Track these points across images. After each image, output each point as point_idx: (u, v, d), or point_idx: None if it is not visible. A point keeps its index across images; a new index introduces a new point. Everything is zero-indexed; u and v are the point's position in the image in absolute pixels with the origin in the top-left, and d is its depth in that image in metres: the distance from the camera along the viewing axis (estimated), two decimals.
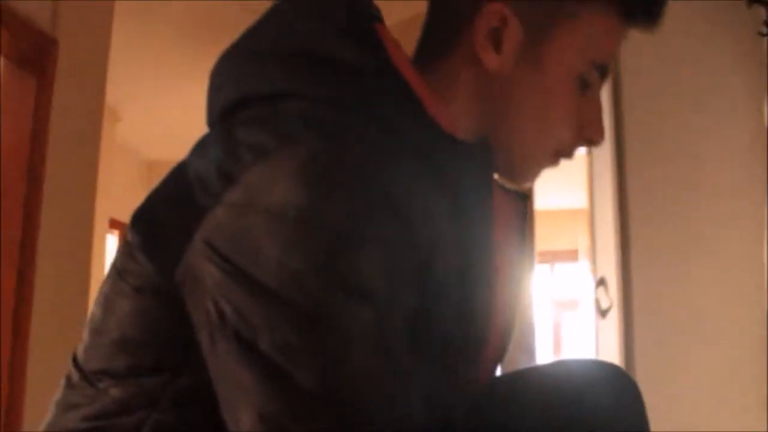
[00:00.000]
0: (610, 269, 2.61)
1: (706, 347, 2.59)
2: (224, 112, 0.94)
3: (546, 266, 8.86)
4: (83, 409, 0.86)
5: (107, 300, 0.89)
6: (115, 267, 0.90)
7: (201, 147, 0.91)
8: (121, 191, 6.28)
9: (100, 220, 5.27)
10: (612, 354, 2.64)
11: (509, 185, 1.08)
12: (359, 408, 0.75)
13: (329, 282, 0.74)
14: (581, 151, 3.11)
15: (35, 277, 2.83)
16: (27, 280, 2.80)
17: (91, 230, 3.39)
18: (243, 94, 0.93)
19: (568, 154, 1.06)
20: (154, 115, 6.20)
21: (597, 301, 2.64)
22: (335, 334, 0.74)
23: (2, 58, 2.87)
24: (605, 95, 2.82)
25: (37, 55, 2.93)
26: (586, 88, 1.01)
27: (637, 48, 2.77)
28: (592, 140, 1.05)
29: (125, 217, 4.28)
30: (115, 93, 5.33)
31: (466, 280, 0.90)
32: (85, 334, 0.92)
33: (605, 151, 2.80)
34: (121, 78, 5.02)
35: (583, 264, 2.88)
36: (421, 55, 1.03)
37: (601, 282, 2.62)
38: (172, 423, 0.83)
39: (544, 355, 7.25)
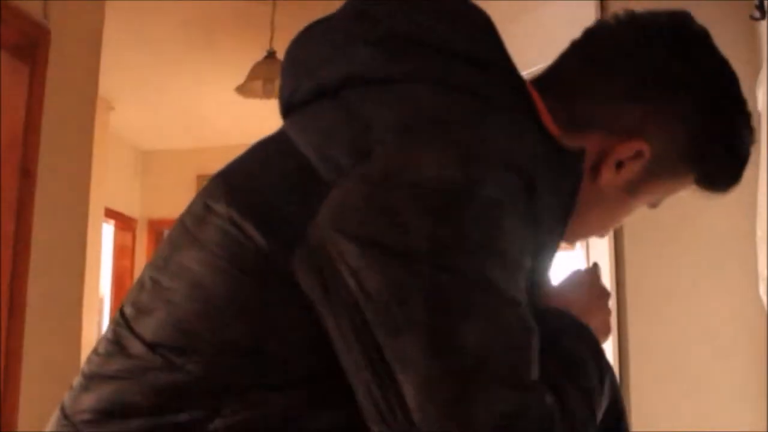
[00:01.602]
0: (603, 254, 2.62)
1: (699, 332, 2.60)
2: (322, 91, 0.95)
3: None
4: (149, 380, 0.84)
5: (180, 267, 0.88)
6: (190, 233, 0.89)
7: (310, 124, 0.92)
8: (115, 181, 6.28)
9: (95, 210, 5.26)
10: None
11: None
12: (514, 365, 0.78)
13: (478, 249, 0.79)
14: None
15: (30, 268, 2.83)
16: (21, 272, 2.80)
17: (85, 219, 3.38)
18: (352, 75, 0.94)
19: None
20: (147, 105, 6.18)
21: None
22: (487, 295, 0.78)
23: None
24: None
25: (29, 45, 2.92)
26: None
27: None
28: (602, 236, 1.19)
29: (120, 206, 4.33)
30: (108, 82, 5.31)
31: (541, 270, 0.99)
32: (142, 297, 0.90)
33: None
34: (114, 68, 5.00)
35: (578, 251, 2.87)
36: (545, 94, 1.05)
37: (594, 267, 2.62)
38: (253, 405, 0.82)
39: None
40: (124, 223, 6.65)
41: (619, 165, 1.03)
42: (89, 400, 0.88)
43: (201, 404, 0.83)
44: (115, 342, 0.90)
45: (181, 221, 0.93)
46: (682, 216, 2.62)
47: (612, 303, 2.59)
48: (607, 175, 1.03)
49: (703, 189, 1.12)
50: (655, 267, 2.65)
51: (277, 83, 4.27)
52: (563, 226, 1.00)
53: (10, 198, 2.80)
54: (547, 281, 1.07)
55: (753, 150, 1.11)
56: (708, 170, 1.09)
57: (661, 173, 1.05)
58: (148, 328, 0.87)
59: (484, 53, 0.97)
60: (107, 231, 6.51)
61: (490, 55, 0.98)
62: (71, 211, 3.27)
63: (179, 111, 6.24)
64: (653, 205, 1.14)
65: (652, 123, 1.02)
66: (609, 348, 2.61)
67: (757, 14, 2.38)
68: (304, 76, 1.00)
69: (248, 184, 0.89)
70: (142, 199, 6.91)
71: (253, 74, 4.26)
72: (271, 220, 0.83)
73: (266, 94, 4.29)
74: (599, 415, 0.93)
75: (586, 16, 2.83)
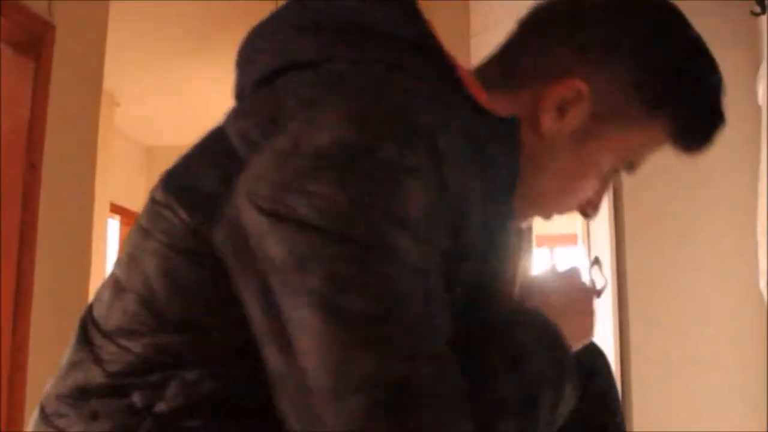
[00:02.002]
0: (605, 249, 2.62)
1: (700, 325, 2.60)
2: (261, 80, 0.97)
3: (545, 250, 8.90)
4: (107, 366, 0.87)
5: (132, 258, 0.90)
6: (141, 226, 0.91)
7: (240, 110, 0.93)
8: (120, 176, 6.30)
9: (101, 205, 5.28)
10: (606, 333, 2.66)
11: None
12: (409, 334, 0.77)
13: (378, 214, 0.78)
14: None
15: (35, 264, 2.84)
16: (27, 267, 2.81)
17: (90, 215, 3.40)
18: (284, 62, 0.95)
19: (562, 214, 1.12)
20: (153, 100, 6.20)
21: (592, 281, 2.65)
22: (385, 263, 0.78)
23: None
24: None
25: (33, 40, 2.93)
26: (609, 176, 1.08)
27: None
28: (586, 213, 1.12)
29: (125, 201, 4.34)
30: (113, 78, 5.32)
31: (489, 250, 0.94)
32: (104, 293, 0.93)
33: None
34: (119, 63, 5.02)
35: (580, 247, 2.88)
36: (483, 70, 1.06)
37: (595, 262, 2.62)
38: (196, 382, 0.84)
39: None
40: (129, 218, 6.66)
41: (561, 110, 1.00)
42: (56, 389, 0.92)
43: (147, 384, 0.85)
44: (81, 330, 0.94)
45: (137, 217, 0.96)
46: (684, 211, 2.63)
47: (613, 298, 2.61)
48: (548, 122, 1.00)
49: (675, 144, 1.05)
50: (657, 262, 2.66)
51: None
52: (509, 199, 0.98)
53: (16, 192, 2.81)
54: (507, 266, 1.04)
55: (727, 110, 1.04)
56: (666, 113, 1.02)
57: (612, 118, 1.01)
58: (106, 318, 0.91)
59: (408, 33, 0.97)
60: (113, 226, 6.54)
61: (413, 33, 0.98)
62: (77, 205, 3.28)
63: (184, 107, 6.25)
64: (629, 167, 1.08)
65: (586, 59, 1.00)
66: (610, 344, 2.62)
67: (757, 9, 2.38)
68: (247, 69, 1.02)
69: (181, 170, 0.92)
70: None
71: None
72: (196, 200, 0.86)
73: None
74: (557, 417, 0.91)
75: None
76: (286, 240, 0.78)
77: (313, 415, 0.77)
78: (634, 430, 2.57)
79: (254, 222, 0.79)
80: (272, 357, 0.80)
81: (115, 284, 0.92)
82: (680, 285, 2.63)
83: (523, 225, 1.16)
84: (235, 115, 0.92)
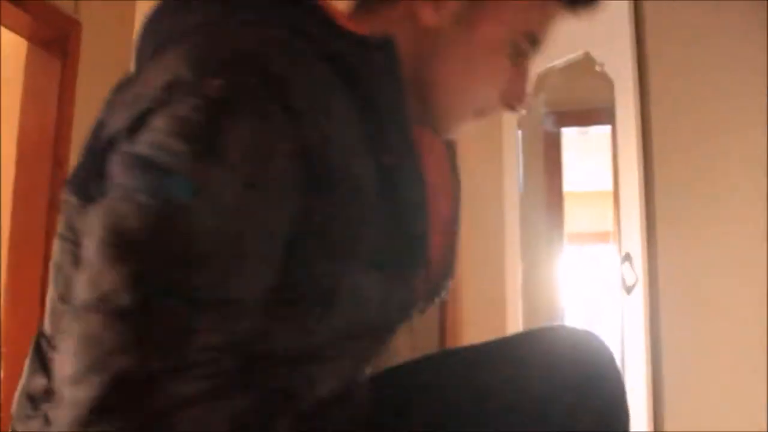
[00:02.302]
0: (636, 245, 2.58)
1: (732, 321, 2.55)
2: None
3: (576, 248, 8.83)
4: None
5: (56, 268, 0.90)
6: (58, 238, 0.91)
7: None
8: None
9: None
10: (638, 330, 2.62)
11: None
12: (197, 263, 0.77)
13: (194, 143, 0.78)
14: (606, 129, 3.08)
15: None
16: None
17: None
18: (166, 34, 0.95)
19: (487, 113, 1.10)
20: None
21: (622, 278, 2.62)
22: (204, 199, 0.78)
23: (26, 42, 2.89)
24: (630, 70, 2.79)
25: (60, 38, 2.94)
26: (517, 57, 1.04)
27: (662, 29, 2.77)
28: (512, 105, 1.09)
29: None
30: None
31: (385, 184, 0.92)
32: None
33: (630, 122, 2.77)
34: None
35: (611, 244, 2.85)
36: (361, 5, 1.07)
37: (626, 258, 2.59)
38: None
39: None
40: None
41: (436, 3, 1.00)
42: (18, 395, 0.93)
43: None
44: (35, 344, 0.94)
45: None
46: (716, 206, 2.59)
47: (644, 295, 2.57)
48: (428, 14, 1.00)
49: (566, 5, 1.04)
50: (689, 258, 2.61)
51: None
52: (402, 117, 0.95)
53: (44, 190, 2.83)
54: (418, 188, 0.98)
55: None
56: None
57: None
58: (48, 326, 0.90)
59: None
60: None
61: None
62: None
63: None
64: (532, 42, 1.05)
65: None
66: (641, 340, 2.58)
67: None
68: (149, 47, 1.00)
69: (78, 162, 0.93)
70: None
71: None
72: (79, 182, 0.86)
73: None
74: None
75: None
76: (122, 173, 0.79)
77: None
78: (666, 429, 2.53)
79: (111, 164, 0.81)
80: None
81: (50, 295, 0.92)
82: (713, 281, 2.59)
83: (448, 136, 1.12)
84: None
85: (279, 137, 0.81)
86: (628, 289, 2.61)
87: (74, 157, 2.91)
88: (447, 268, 1.10)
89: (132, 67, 0.99)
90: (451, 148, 1.15)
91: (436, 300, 1.12)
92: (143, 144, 0.79)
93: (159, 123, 0.79)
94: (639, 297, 2.60)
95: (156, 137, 0.78)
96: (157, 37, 0.97)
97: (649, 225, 2.61)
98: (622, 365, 2.63)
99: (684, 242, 2.62)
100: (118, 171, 0.80)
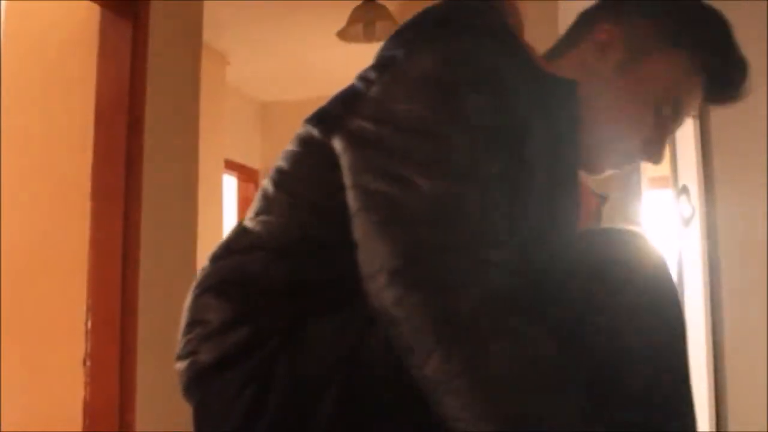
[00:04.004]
0: (692, 177, 2.56)
1: None
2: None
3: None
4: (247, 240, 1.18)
5: (277, 172, 1.22)
6: (288, 153, 1.23)
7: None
8: (235, 133, 6.47)
9: (215, 162, 5.46)
10: (696, 262, 2.60)
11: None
12: (464, 221, 0.99)
13: (439, 112, 1.05)
14: None
15: (141, 219, 2.92)
16: (134, 222, 2.91)
17: (195, 172, 3.48)
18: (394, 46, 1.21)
19: (629, 162, 1.33)
20: (264, 57, 6.31)
21: (679, 210, 2.60)
22: (445, 148, 1.03)
23: (98, 7, 3.00)
24: None
25: (131, 1, 3.03)
26: (660, 118, 1.26)
27: None
28: (651, 157, 1.29)
29: (241, 158, 4.45)
30: (222, 38, 5.47)
31: (553, 183, 1.14)
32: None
33: None
34: (227, 23, 5.15)
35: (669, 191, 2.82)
36: (551, 53, 1.35)
37: (683, 190, 2.58)
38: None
39: None
40: (246, 174, 6.85)
41: (602, 50, 1.27)
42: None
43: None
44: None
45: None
46: None
47: (701, 227, 2.55)
48: (593, 60, 1.27)
49: (710, 87, 1.27)
50: (747, 189, 2.56)
51: (378, 26, 4.32)
52: (574, 149, 1.19)
53: (120, 149, 2.94)
54: (575, 197, 1.20)
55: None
56: (686, 48, 1.25)
57: (643, 50, 1.26)
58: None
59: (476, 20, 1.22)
60: (231, 183, 6.73)
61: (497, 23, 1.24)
62: (181, 160, 3.37)
63: (297, 62, 6.34)
64: (676, 107, 1.26)
65: (613, 10, 1.30)
66: (699, 273, 2.57)
67: None
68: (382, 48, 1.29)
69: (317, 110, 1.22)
70: (263, 150, 7.10)
71: (353, 18, 4.31)
72: (324, 120, 1.18)
73: (367, 38, 4.33)
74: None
75: None
76: (377, 137, 1.06)
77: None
78: (726, 358, 2.51)
79: (362, 127, 1.08)
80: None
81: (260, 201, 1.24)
82: None
83: (596, 176, 1.34)
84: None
85: (496, 111, 1.06)
86: (686, 222, 2.59)
87: (149, 114, 3.02)
88: None
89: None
90: (602, 201, 1.42)
91: None
92: (403, 115, 1.06)
93: (416, 104, 1.06)
94: (696, 230, 2.58)
95: (416, 114, 1.05)
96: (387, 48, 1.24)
97: (705, 156, 2.59)
98: (681, 298, 2.61)
99: (740, 172, 2.59)
100: (378, 134, 1.07)
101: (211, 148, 5.22)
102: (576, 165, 1.22)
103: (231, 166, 6.45)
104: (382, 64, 1.16)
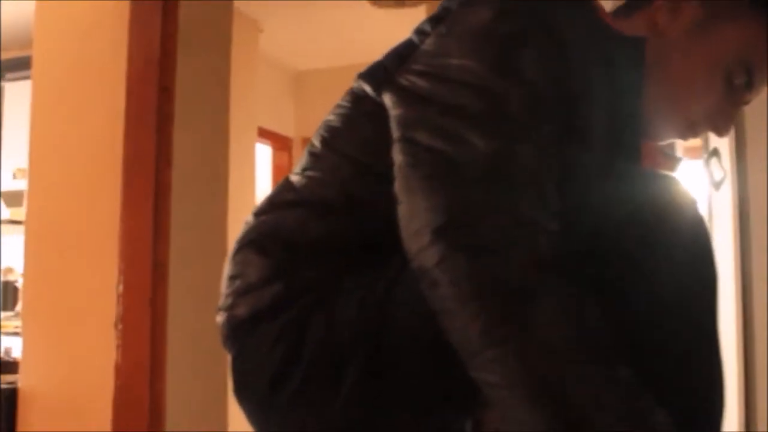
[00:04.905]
0: (723, 139, 2.52)
1: None
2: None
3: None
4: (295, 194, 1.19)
5: (325, 128, 1.21)
6: (337, 109, 1.22)
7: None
8: (268, 101, 6.49)
9: (247, 130, 5.47)
10: (727, 226, 2.58)
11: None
12: (516, 181, 0.97)
13: (495, 68, 1.02)
14: None
15: (172, 185, 2.95)
16: (164, 188, 2.93)
17: (226, 140, 3.50)
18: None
19: (694, 132, 1.26)
20: (297, 25, 6.31)
21: (710, 173, 2.57)
22: (499, 104, 1.00)
23: None
24: None
25: None
26: (731, 86, 1.20)
27: None
28: (717, 129, 1.24)
29: (274, 126, 4.48)
30: (254, 5, 5.47)
31: (611, 145, 1.10)
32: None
33: None
34: None
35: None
36: (619, 11, 1.29)
37: (713, 153, 2.55)
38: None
39: None
40: (279, 142, 6.86)
41: (674, 9, 1.19)
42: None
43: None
44: None
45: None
46: None
47: (732, 190, 2.52)
48: (664, 19, 1.19)
49: None
50: None
51: None
52: (636, 111, 1.13)
53: (151, 116, 2.97)
54: (635, 157, 1.15)
55: None
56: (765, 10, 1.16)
57: (718, 12, 1.18)
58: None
59: None
60: (264, 152, 6.76)
61: None
62: (212, 128, 3.38)
63: (331, 30, 6.33)
64: (748, 73, 1.18)
65: None
66: (729, 238, 2.54)
67: None
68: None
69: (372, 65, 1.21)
70: (297, 118, 7.10)
71: None
72: (376, 75, 1.16)
73: (398, 4, 4.31)
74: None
75: None
76: (429, 91, 1.04)
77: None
78: (755, 320, 2.49)
79: (413, 82, 1.06)
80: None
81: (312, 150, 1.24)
82: None
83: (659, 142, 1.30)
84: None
85: (553, 68, 1.03)
86: (716, 185, 2.57)
87: (180, 81, 3.04)
88: None
89: None
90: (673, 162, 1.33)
91: None
92: (455, 70, 1.03)
93: (468, 59, 1.03)
94: (727, 193, 2.56)
95: (468, 69, 1.02)
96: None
97: (738, 117, 2.54)
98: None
99: None
100: (428, 88, 1.05)
101: (244, 117, 5.24)
102: (637, 128, 1.17)
103: (264, 134, 6.47)
104: (437, 15, 1.14)
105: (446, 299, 0.92)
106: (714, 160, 2.53)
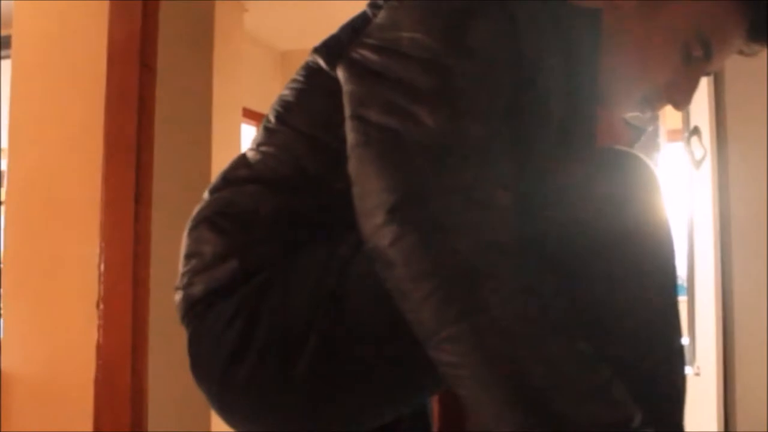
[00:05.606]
0: (704, 118, 2.52)
1: None
2: None
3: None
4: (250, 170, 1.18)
5: (280, 103, 1.21)
6: (292, 83, 1.21)
7: None
8: (254, 82, 6.44)
9: (232, 110, 5.44)
10: (707, 205, 2.58)
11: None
12: (464, 151, 0.95)
13: (445, 42, 1.00)
14: None
15: (154, 162, 2.93)
16: (145, 167, 2.90)
17: (209, 118, 3.48)
18: None
19: (652, 105, 1.22)
20: (283, 5, 6.27)
21: (691, 152, 2.57)
22: (449, 79, 0.98)
23: None
24: None
25: None
26: (689, 59, 1.16)
27: None
28: (675, 101, 1.20)
29: (259, 106, 4.47)
30: None
31: (568, 117, 1.09)
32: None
33: None
34: None
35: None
36: None
37: (694, 131, 2.54)
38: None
39: None
40: None
41: None
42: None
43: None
44: None
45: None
46: None
47: (713, 169, 2.52)
48: None
49: (748, 31, 1.15)
50: (761, 130, 2.52)
51: None
52: (593, 83, 1.12)
53: (132, 94, 2.94)
54: (592, 127, 1.16)
55: None
56: None
57: None
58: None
59: None
60: (250, 132, 6.72)
61: None
62: (195, 107, 3.38)
63: (317, 12, 6.30)
64: (705, 46, 1.14)
65: None
66: (709, 217, 2.55)
67: None
68: None
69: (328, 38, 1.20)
70: None
71: None
72: (331, 49, 1.15)
73: None
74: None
75: None
76: (380, 63, 1.02)
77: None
78: (735, 300, 2.49)
79: (365, 56, 1.04)
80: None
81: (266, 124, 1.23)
82: None
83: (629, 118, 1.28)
84: None
85: (506, 41, 1.02)
86: (697, 164, 2.56)
87: (161, 59, 3.02)
88: None
89: None
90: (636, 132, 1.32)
91: None
92: (405, 42, 1.02)
93: (416, 29, 1.02)
94: (707, 172, 2.56)
95: (417, 39, 1.01)
96: None
97: (717, 97, 2.54)
98: (691, 239, 2.60)
99: (757, 112, 2.53)
100: (381, 61, 1.04)
101: (229, 97, 5.20)
102: (594, 100, 1.16)
103: (250, 114, 6.42)
104: None
105: (401, 279, 0.91)
106: (695, 139, 2.53)
